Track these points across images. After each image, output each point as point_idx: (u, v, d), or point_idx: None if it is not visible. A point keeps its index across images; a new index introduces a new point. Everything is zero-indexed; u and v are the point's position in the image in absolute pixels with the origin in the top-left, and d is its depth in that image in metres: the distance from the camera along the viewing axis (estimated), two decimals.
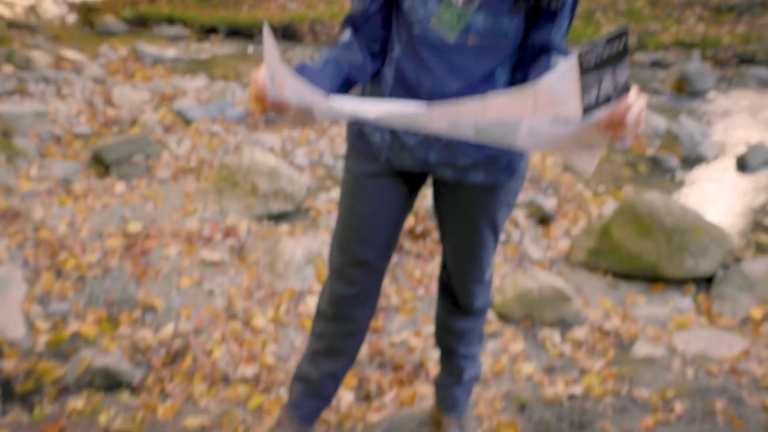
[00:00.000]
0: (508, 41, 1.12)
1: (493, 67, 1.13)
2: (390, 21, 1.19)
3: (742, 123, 5.40)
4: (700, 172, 4.18)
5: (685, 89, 6.33)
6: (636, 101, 0.81)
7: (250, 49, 8.17)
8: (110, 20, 9.48)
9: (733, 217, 3.49)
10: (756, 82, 6.94)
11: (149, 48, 7.29)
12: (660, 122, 4.94)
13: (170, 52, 7.45)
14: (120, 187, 3.41)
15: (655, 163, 4.28)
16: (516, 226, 3.12)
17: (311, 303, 2.42)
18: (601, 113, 0.81)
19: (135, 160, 3.72)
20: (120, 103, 5.05)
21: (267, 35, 0.87)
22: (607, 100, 0.79)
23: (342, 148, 4.12)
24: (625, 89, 0.79)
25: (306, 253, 2.58)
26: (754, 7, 8.35)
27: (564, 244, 3.00)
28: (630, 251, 2.68)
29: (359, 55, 1.16)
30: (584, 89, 0.77)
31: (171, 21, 9.62)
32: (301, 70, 1.05)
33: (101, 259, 2.68)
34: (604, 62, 0.75)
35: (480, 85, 1.13)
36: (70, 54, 6.90)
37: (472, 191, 1.25)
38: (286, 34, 8.93)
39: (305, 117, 0.96)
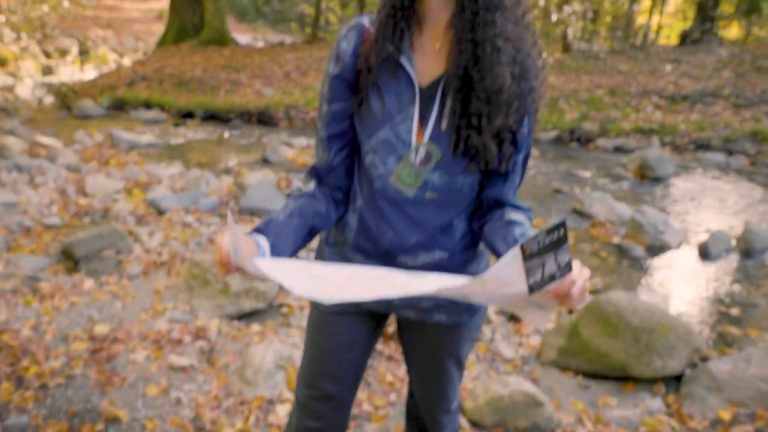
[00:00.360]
0: (464, 195, 1.18)
1: (451, 218, 1.19)
2: (353, 170, 1.25)
3: (702, 209, 5.62)
4: (664, 261, 4.30)
5: (647, 175, 6.60)
6: (579, 276, 0.87)
7: (226, 134, 8.33)
8: (88, 104, 9.61)
9: (698, 309, 3.57)
10: (713, 167, 7.28)
11: (125, 134, 7.38)
12: (624, 210, 5.11)
13: (146, 137, 7.55)
14: (88, 284, 3.37)
15: (621, 252, 4.40)
16: (488, 322, 3.14)
17: (281, 412, 2.37)
18: (548, 288, 0.87)
19: (105, 255, 3.69)
20: (93, 192, 5.06)
21: (230, 218, 0.93)
22: (552, 278, 0.85)
23: (315, 241, 4.15)
24: (568, 268, 0.86)
25: (276, 358, 2.55)
26: (705, 97, 8.87)
27: (535, 341, 3.02)
28: (599, 350, 2.70)
29: (323, 205, 1.22)
30: (529, 272, 0.84)
31: (148, 105, 9.80)
32: (267, 225, 1.10)
33: (65, 366, 2.60)
34: (545, 248, 0.82)
35: (439, 235, 1.19)
36: (45, 140, 6.94)
37: (436, 330, 1.28)
38: (262, 119, 9.16)
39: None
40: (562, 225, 0.81)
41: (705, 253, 4.43)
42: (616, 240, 4.59)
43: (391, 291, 0.91)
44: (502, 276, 0.85)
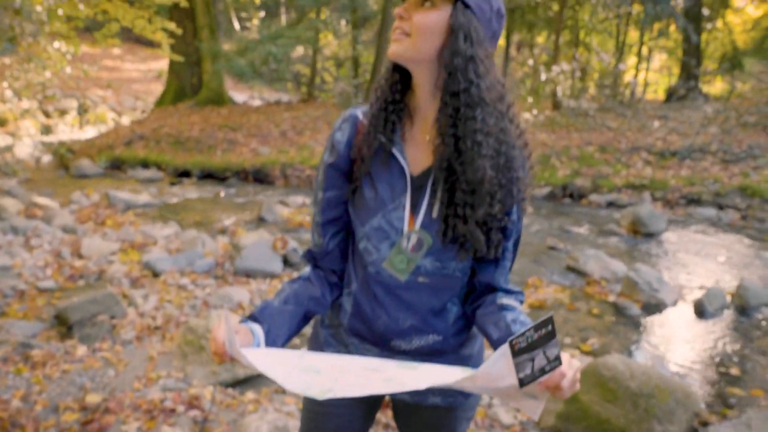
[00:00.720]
0: (456, 280, 1.21)
1: (444, 302, 1.21)
2: (347, 254, 1.28)
3: (696, 265, 5.65)
4: (660, 320, 4.29)
5: (640, 231, 6.66)
6: (569, 369, 0.89)
7: (222, 192, 8.40)
8: (85, 163, 9.72)
9: (696, 370, 3.54)
10: (705, 222, 7.36)
11: (121, 193, 7.44)
12: (619, 267, 5.14)
13: (142, 197, 7.60)
14: (81, 350, 3.33)
15: (617, 311, 4.39)
16: None
17: None
18: (539, 381, 0.89)
19: (99, 319, 3.66)
20: (88, 253, 5.06)
21: (225, 312, 0.95)
22: (542, 371, 0.88)
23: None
24: (558, 361, 0.88)
25: (271, 428, 2.51)
26: (693, 153, 9.05)
27: None
28: (599, 416, 2.67)
29: (318, 289, 1.24)
30: (518, 367, 0.86)
31: (146, 164, 9.91)
32: (262, 312, 1.12)
33: None
34: (534, 344, 0.85)
35: (433, 319, 1.21)
36: (42, 200, 6.98)
37: (431, 412, 1.28)
38: (258, 177, 9.26)
39: None
40: (549, 321, 0.84)
41: (701, 310, 4.43)
42: (611, 298, 4.60)
43: (382, 388, 0.92)
44: (493, 372, 0.87)
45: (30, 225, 5.72)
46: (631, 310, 4.36)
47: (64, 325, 3.63)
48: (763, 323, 4.26)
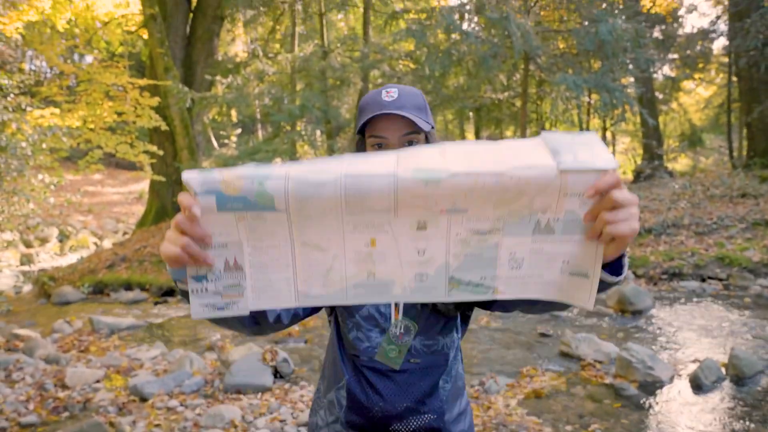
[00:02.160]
0: (444, 356, 1.29)
1: (435, 380, 1.28)
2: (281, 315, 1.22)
3: (686, 338, 5.65)
4: (659, 398, 4.24)
5: (628, 309, 6.70)
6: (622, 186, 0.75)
7: None
8: (67, 290, 9.63)
9: None
10: (689, 294, 7.43)
11: (105, 318, 7.34)
12: (611, 348, 5.12)
13: (127, 319, 7.50)
14: None
15: (615, 393, 4.34)
16: None
17: None
18: (583, 170, 0.73)
19: None
20: (72, 383, 4.92)
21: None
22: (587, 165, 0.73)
23: (304, 414, 4.04)
24: (609, 162, 0.73)
25: None
26: (667, 228, 9.30)
27: None
28: None
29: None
30: (555, 153, 0.74)
31: (129, 286, 9.85)
32: None
33: None
34: (573, 140, 0.75)
35: (427, 399, 1.26)
36: (23, 332, 6.85)
37: None
38: None
39: (231, 293, 0.82)
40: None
41: (697, 384, 4.39)
42: (607, 380, 4.55)
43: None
44: (519, 148, 0.74)
45: (11, 358, 5.58)
46: (628, 391, 4.31)
47: None
48: (762, 391, 4.23)
